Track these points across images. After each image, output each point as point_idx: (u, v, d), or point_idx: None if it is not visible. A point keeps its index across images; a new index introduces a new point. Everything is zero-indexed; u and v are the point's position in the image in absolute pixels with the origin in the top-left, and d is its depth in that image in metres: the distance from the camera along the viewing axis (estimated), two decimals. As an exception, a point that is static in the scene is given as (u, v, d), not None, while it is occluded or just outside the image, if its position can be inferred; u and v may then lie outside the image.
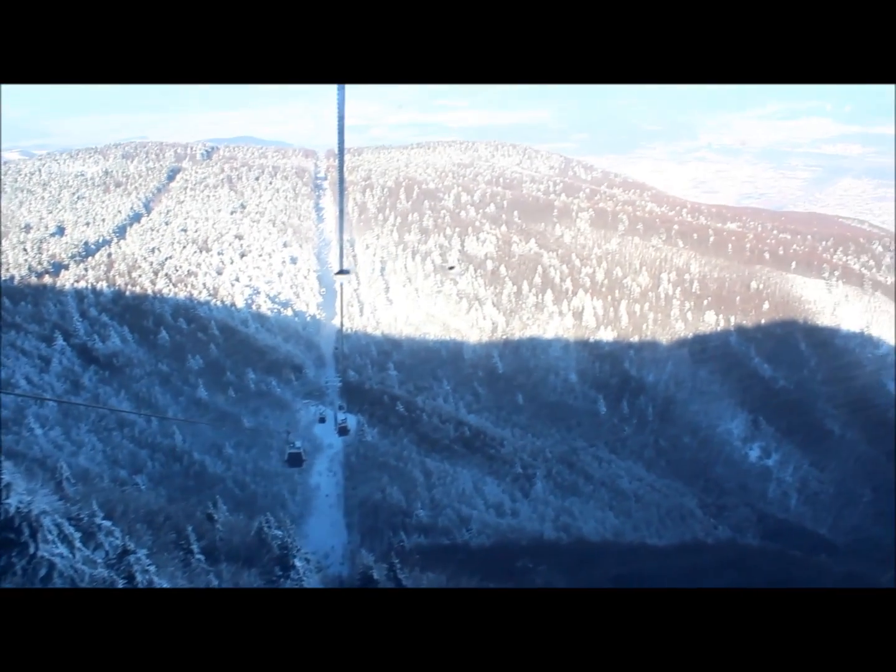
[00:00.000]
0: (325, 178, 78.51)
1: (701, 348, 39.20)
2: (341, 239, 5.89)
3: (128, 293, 40.86)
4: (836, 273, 40.11)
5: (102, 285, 40.59)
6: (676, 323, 41.59)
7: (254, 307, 46.80)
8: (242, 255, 54.81)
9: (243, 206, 64.82)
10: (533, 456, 37.33)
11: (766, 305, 41.14)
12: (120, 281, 41.61)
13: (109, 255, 45.59)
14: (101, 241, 49.86)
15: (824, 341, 37.04)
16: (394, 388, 41.75)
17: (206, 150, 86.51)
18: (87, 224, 54.68)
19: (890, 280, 30.52)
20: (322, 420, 26.57)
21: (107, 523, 6.07)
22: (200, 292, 44.68)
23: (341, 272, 6.70)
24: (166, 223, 57.51)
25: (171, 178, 71.51)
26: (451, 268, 50.32)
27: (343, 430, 19.08)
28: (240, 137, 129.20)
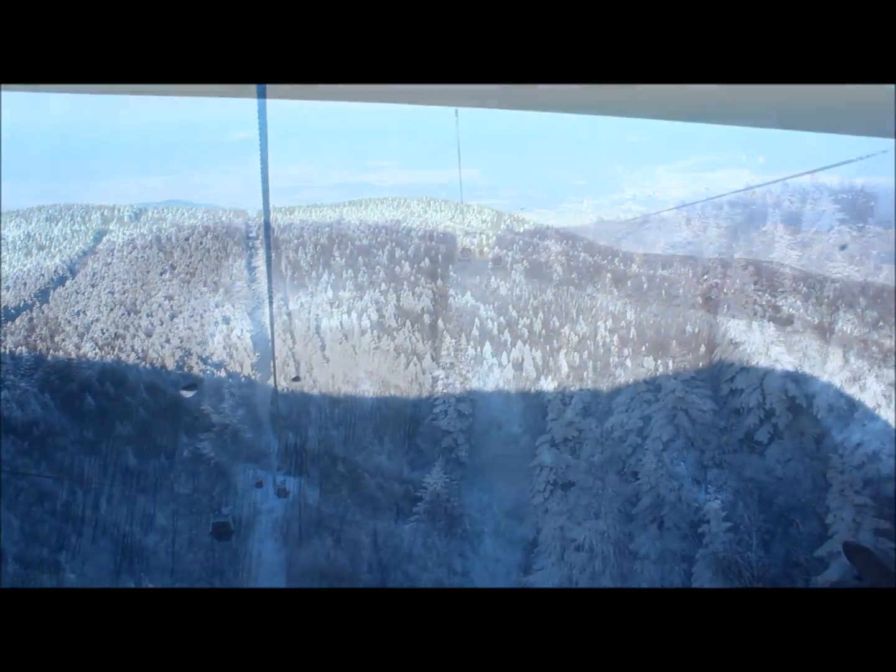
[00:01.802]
0: (257, 238, 77.66)
1: (642, 394, 39.43)
2: (271, 302, 5.33)
3: (50, 358, 38.91)
4: (767, 314, 41.50)
5: (22, 350, 38.60)
6: (616, 370, 41.87)
7: (185, 369, 45.19)
8: (173, 317, 53.15)
9: (173, 267, 63.26)
10: (481, 511, 36.52)
11: (702, 349, 42.07)
12: (41, 346, 39.67)
13: (31, 319, 43.53)
14: (21, 305, 47.65)
15: (760, 381, 37.81)
16: (334, 447, 40.49)
17: (135, 212, 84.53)
18: (7, 289, 52.27)
19: (817, 319, 31.61)
20: (259, 484, 25.34)
21: None
22: (129, 355, 42.93)
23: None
24: (92, 286, 55.51)
25: (97, 240, 69.47)
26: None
27: (282, 493, 18.16)
28: (170, 201, 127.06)
